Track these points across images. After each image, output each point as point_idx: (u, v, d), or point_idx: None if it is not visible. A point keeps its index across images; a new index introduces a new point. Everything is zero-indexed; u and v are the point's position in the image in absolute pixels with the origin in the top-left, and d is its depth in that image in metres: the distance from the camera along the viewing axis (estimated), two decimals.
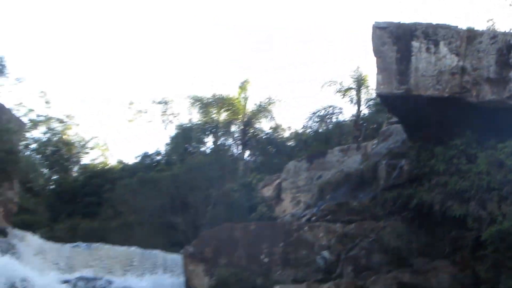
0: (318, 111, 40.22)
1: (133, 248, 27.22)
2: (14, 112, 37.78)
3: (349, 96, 38.59)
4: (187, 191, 35.72)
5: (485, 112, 18.52)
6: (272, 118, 43.54)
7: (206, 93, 47.52)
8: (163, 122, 48.97)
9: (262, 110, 43.22)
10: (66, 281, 21.23)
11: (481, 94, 18.40)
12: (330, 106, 40.29)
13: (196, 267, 20.88)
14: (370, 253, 18.67)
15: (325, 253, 20.59)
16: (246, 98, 43.96)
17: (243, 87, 42.72)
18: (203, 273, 20.87)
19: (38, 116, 46.72)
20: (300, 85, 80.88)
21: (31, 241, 27.04)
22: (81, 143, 48.90)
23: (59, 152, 46.51)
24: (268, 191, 33.02)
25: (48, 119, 46.82)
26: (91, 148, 49.37)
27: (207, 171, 36.60)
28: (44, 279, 20.98)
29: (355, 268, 18.27)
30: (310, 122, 41.57)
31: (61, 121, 47.47)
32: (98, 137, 53.75)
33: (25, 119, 42.49)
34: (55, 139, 46.97)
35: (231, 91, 46.23)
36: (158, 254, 26.11)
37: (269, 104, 43.15)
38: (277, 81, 76.40)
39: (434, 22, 20.12)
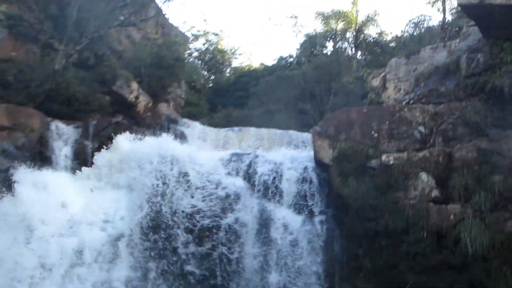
0: (413, 19, 44.36)
1: (273, 130, 32.02)
2: (180, 29, 40.29)
3: (437, 7, 41.07)
4: (314, 84, 38.11)
5: None
6: (378, 25, 48.00)
7: (327, 8, 56.79)
8: (294, 32, 65.26)
9: (370, 20, 47.27)
10: (222, 157, 23.06)
11: None
12: (422, 15, 44.16)
13: (322, 142, 22.22)
14: (455, 127, 20.68)
15: (421, 128, 22.07)
16: (357, 11, 48.21)
17: (354, 2, 46.69)
18: (328, 147, 22.13)
19: (198, 31, 54.16)
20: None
21: (195, 127, 32.22)
22: (232, 51, 57.03)
23: (215, 58, 53.82)
24: (375, 82, 33.89)
25: (205, 33, 55.44)
26: (239, 54, 55.67)
27: (328, 68, 39.08)
28: (206, 156, 22.91)
29: (444, 139, 20.52)
30: (407, 27, 45.93)
31: (215, 34, 55.67)
32: (245, 45, 62.68)
33: (188, 34, 48.08)
34: (211, 48, 54.59)
35: (345, 6, 55.14)
36: (293, 134, 31.04)
37: (375, 15, 47.27)
38: None
39: None
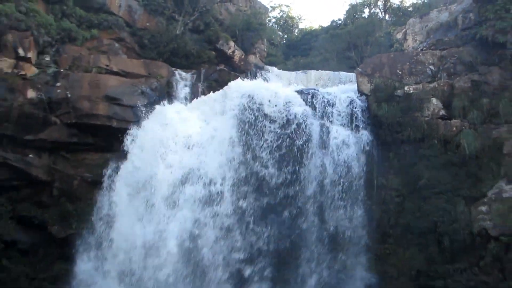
0: None
1: (329, 71, 35.04)
2: (262, 2, 42.83)
3: None
4: (356, 39, 41.31)
5: None
6: None
7: None
8: (342, 1, 64.44)
9: None
10: (295, 91, 26.12)
11: None
12: None
13: (363, 79, 26.18)
14: (455, 65, 25.53)
15: (431, 67, 26.50)
16: None
17: None
18: (367, 82, 26.12)
19: (275, 4, 57.58)
20: None
21: (274, 71, 35.09)
22: (298, 17, 59.55)
23: (287, 22, 56.78)
24: (399, 35, 36.21)
25: (280, 5, 58.46)
26: (304, 19, 59.67)
27: (366, 27, 42.27)
28: (284, 91, 25.73)
29: (448, 74, 25.41)
30: None
31: (287, 6, 58.43)
32: (308, 12, 62.67)
33: (268, 6, 50.30)
34: (284, 15, 57.48)
35: None
36: (342, 74, 33.68)
37: None
38: None
39: None
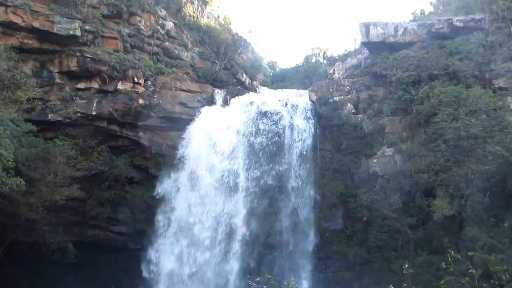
0: None
1: (294, 90, 38.39)
2: (258, 53, 45.53)
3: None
4: (309, 73, 44.66)
5: None
6: None
7: None
8: None
9: None
10: (278, 100, 31.71)
11: None
12: None
13: (312, 93, 31.67)
14: None
15: (348, 87, 31.53)
16: None
17: None
18: (314, 95, 31.05)
19: (265, 56, 53.97)
20: None
21: (265, 90, 38.71)
22: (277, 62, 64.36)
23: (272, 64, 55.39)
24: (331, 71, 41.44)
25: (268, 57, 57.37)
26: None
27: (315, 69, 45.27)
28: (271, 99, 31.75)
29: None
30: None
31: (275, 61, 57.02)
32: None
33: (262, 56, 59.10)
34: (271, 61, 57.28)
35: None
36: (302, 91, 36.70)
37: None
38: None
39: None
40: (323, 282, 28.26)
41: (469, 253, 13.66)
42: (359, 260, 27.43)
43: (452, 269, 8.59)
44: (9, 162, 21.16)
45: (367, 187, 29.14)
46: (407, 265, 14.70)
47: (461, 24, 29.54)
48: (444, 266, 6.99)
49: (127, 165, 31.84)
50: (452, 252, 7.35)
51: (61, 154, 26.42)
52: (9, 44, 27.19)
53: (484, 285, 6.76)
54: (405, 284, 8.86)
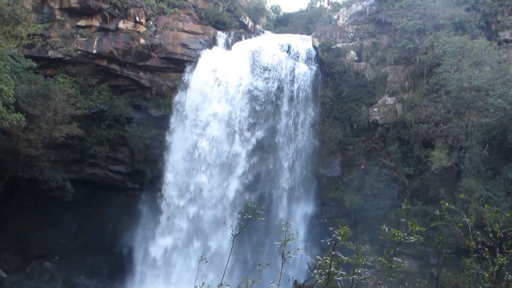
0: None
1: (297, 35, 37.07)
2: None
3: None
4: (313, 19, 43.45)
5: None
6: None
7: None
8: None
9: None
10: (279, 44, 32.04)
11: None
12: None
13: (315, 39, 30.92)
14: None
15: (351, 34, 32.69)
16: None
17: None
18: (317, 41, 30.91)
19: None
20: None
21: (269, 34, 38.42)
22: (280, 6, 58.76)
23: (276, 8, 52.59)
24: (335, 16, 39.42)
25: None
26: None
27: (319, 14, 44.06)
28: (273, 43, 31.68)
29: None
30: None
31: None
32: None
33: None
34: (275, 5, 56.67)
35: None
36: (305, 36, 35.82)
37: None
38: None
39: None
40: (318, 227, 28.73)
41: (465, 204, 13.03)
42: (355, 207, 27.81)
43: (447, 218, 8.47)
44: (9, 98, 21.24)
45: (366, 135, 29.69)
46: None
47: None
48: (438, 213, 7.05)
49: (127, 105, 31.96)
50: (447, 203, 7.27)
51: (61, 91, 26.50)
52: None
53: (478, 232, 6.83)
54: (403, 220, 9.44)
